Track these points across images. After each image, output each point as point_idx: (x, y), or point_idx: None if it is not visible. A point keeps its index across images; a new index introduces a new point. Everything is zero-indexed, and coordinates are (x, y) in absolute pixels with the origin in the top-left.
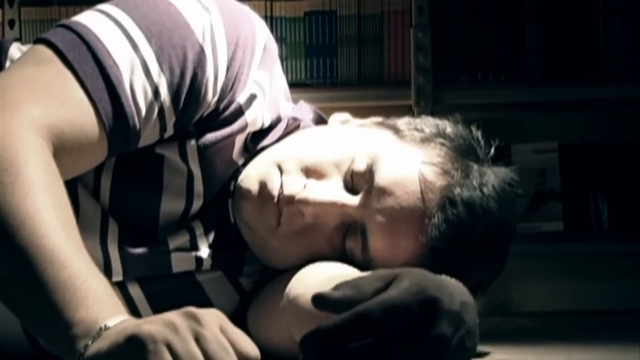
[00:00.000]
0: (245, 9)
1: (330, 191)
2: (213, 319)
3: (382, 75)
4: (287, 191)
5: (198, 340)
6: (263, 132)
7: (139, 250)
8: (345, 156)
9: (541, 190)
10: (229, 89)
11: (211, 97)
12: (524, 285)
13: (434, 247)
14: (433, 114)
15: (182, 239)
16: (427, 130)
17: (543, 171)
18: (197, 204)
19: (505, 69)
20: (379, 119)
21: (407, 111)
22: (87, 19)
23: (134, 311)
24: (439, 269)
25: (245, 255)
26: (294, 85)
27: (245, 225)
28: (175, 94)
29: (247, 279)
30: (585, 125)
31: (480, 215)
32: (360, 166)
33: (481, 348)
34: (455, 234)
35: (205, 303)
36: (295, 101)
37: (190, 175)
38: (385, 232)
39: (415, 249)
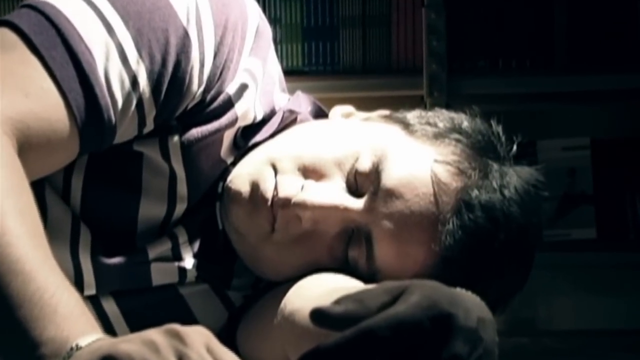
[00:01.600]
0: None
1: (331, 193)
2: (198, 338)
3: (389, 62)
4: (283, 193)
5: None
6: (255, 127)
7: (115, 261)
8: (348, 154)
9: (571, 193)
10: (216, 78)
11: (196, 88)
12: (552, 300)
13: (448, 256)
14: (448, 105)
15: (163, 248)
16: (440, 124)
17: (573, 171)
18: (180, 208)
19: (531, 55)
20: (386, 112)
21: (418, 103)
22: None
23: (109, 329)
24: (454, 281)
25: (235, 265)
26: (290, 73)
27: (235, 232)
28: (155, 83)
29: (237, 292)
30: (620, 119)
31: (500, 220)
32: (364, 165)
33: None
34: (472, 242)
35: (190, 319)
36: (291, 91)
37: (172, 175)
38: (393, 239)
39: (427, 258)
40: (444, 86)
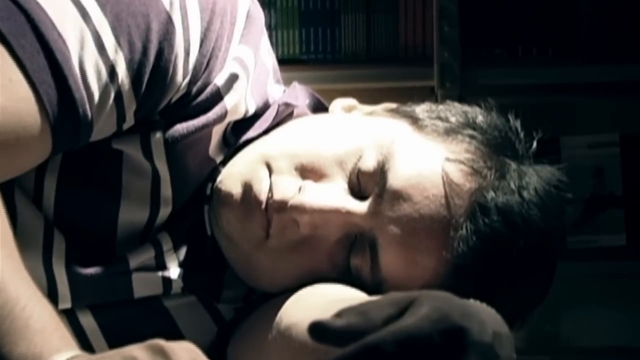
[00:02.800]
0: None
1: (332, 195)
2: (185, 354)
3: (396, 50)
4: (278, 195)
5: None
6: (247, 122)
7: (92, 271)
8: (350, 152)
9: (598, 194)
10: (203, 67)
11: (181, 79)
12: (576, 314)
13: (460, 265)
14: (461, 98)
15: (146, 256)
16: (452, 119)
17: (600, 170)
18: (164, 211)
19: (553, 42)
20: (393, 105)
21: (428, 95)
22: None
23: (86, 345)
24: (467, 292)
25: (225, 275)
26: (285, 62)
27: (225, 238)
28: (136, 74)
29: (227, 305)
30: None
31: (519, 225)
32: (368, 164)
33: None
34: (488, 249)
35: (175, 335)
36: (287, 83)
37: (155, 176)
38: (400, 246)
39: (438, 267)
40: (456, 76)
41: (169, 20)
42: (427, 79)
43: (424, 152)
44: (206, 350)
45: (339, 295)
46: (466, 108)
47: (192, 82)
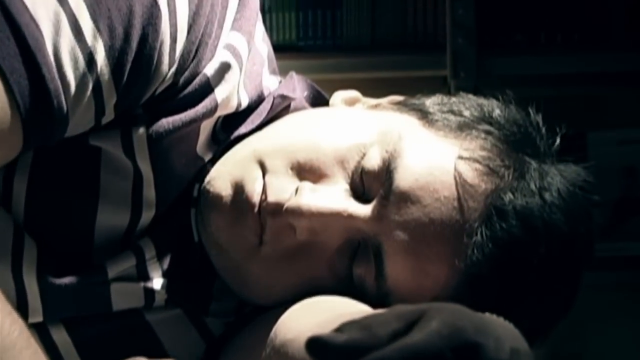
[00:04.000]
0: None
1: (332, 197)
2: None
3: (404, 36)
4: (273, 197)
5: None
6: (239, 116)
7: (66, 281)
8: (353, 149)
9: (629, 197)
10: (191, 56)
11: (167, 68)
12: (605, 330)
13: (475, 274)
14: (476, 89)
15: (126, 265)
16: (467, 113)
17: (631, 170)
18: (147, 215)
19: (580, 27)
20: (400, 97)
21: (440, 86)
22: None
23: None
24: (482, 305)
25: (214, 286)
26: (282, 49)
27: (214, 245)
28: (116, 62)
29: (216, 319)
30: None
31: (540, 231)
32: (373, 163)
33: None
34: (505, 257)
35: (158, 352)
36: (283, 72)
37: (137, 175)
38: (407, 254)
39: (449, 277)
40: (472, 65)
41: (153, 3)
42: (439, 68)
43: (435, 150)
44: None
45: (339, 308)
46: (482, 101)
47: (179, 72)
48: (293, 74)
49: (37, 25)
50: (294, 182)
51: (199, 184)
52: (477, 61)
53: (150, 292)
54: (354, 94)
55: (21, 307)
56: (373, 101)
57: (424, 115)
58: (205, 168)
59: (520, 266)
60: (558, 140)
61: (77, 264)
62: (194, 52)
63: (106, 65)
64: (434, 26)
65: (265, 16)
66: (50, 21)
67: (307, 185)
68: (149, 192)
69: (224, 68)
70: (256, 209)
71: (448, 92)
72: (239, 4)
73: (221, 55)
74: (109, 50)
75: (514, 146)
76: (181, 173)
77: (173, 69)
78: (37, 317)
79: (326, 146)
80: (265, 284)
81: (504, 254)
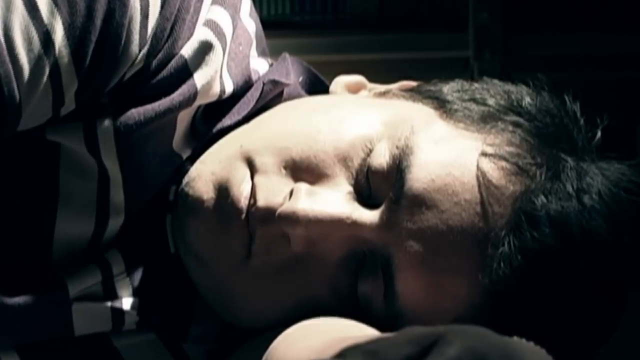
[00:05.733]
0: None
1: (333, 201)
2: None
3: (418, 10)
4: (263, 201)
5: None
6: (222, 106)
7: (20, 300)
8: (357, 144)
9: None
10: (166, 34)
11: (137, 49)
12: None
13: (501, 291)
14: (503, 73)
15: (91, 281)
16: (491, 101)
17: None
18: (114, 223)
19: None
20: (413, 83)
21: (460, 69)
22: None
23: None
24: (509, 327)
25: (194, 307)
26: (272, 25)
27: (195, 258)
28: (78, 43)
29: (197, 345)
30: None
31: (578, 240)
32: (381, 160)
33: None
34: (537, 271)
35: None
36: (275, 54)
37: (103, 176)
38: (422, 268)
39: (471, 295)
40: (498, 45)
41: None
42: (459, 48)
43: (454, 145)
44: None
45: (342, 331)
46: (509, 87)
47: (151, 54)
48: (286, 55)
49: None
50: (287, 183)
51: (175, 185)
52: (504, 39)
53: (118, 314)
54: (358, 79)
55: None
56: (381, 87)
57: (441, 104)
58: (183, 167)
59: (554, 282)
60: (599, 134)
61: (32, 281)
62: (169, 30)
63: (65, 46)
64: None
65: None
66: None
67: (303, 187)
68: (117, 195)
69: (204, 48)
70: (243, 215)
71: (470, 77)
72: None
73: (201, 34)
74: (69, 28)
75: (547, 141)
76: (155, 173)
77: (144, 50)
78: None
79: (325, 141)
80: (254, 303)
81: (535, 267)
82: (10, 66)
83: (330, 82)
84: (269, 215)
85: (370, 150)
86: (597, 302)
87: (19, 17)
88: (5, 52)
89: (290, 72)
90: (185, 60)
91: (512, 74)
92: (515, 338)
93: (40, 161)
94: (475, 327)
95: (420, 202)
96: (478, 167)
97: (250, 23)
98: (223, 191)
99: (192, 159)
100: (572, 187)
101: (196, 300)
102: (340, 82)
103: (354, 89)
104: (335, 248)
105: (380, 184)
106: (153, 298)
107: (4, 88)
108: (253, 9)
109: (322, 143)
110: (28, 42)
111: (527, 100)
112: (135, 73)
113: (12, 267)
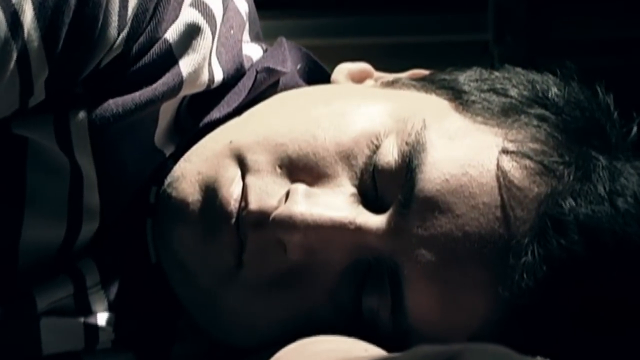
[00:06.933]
0: None
1: (334, 204)
2: None
3: None
4: (255, 204)
5: None
6: (211, 96)
7: None
8: (362, 140)
9: None
10: (148, 16)
11: (116, 32)
12: None
13: (523, 306)
14: (528, 59)
15: (61, 294)
16: (513, 92)
17: None
18: (88, 228)
19: None
20: (424, 71)
21: (479, 54)
22: None
23: None
24: (531, 346)
25: (178, 323)
26: (267, 6)
27: (179, 268)
28: (49, 25)
29: None
30: None
31: (610, 248)
32: (389, 159)
33: None
34: (564, 284)
35: None
36: (270, 37)
37: (76, 175)
38: (434, 280)
39: (490, 310)
40: (521, 27)
41: None
42: (479, 30)
43: (471, 141)
44: None
45: (344, 351)
46: (534, 76)
47: (131, 38)
48: (283, 40)
49: None
50: (283, 184)
51: (157, 186)
52: (528, 21)
53: (92, 330)
54: (363, 66)
55: None
56: (389, 76)
57: (456, 95)
58: (165, 165)
59: (583, 296)
60: (635, 129)
61: None
62: (152, 11)
63: (35, 29)
64: None
65: None
66: None
67: (300, 188)
68: (91, 197)
69: (191, 32)
70: (233, 220)
71: (490, 65)
72: None
73: (187, 15)
74: (40, 8)
75: (576, 136)
76: (134, 172)
77: (124, 34)
78: None
79: (326, 136)
80: (246, 319)
81: (562, 279)
82: None
83: (332, 70)
84: (262, 220)
85: (377, 147)
86: (631, 319)
87: None
88: None
89: (287, 58)
90: (170, 45)
91: (537, 61)
92: (537, 358)
93: (5, 158)
94: (495, 346)
95: (433, 205)
96: (498, 166)
97: (242, 3)
98: (210, 193)
99: (176, 156)
100: (604, 188)
101: (180, 316)
102: (343, 70)
103: (359, 78)
104: (336, 257)
105: (387, 184)
106: (131, 313)
107: None
108: None
109: (322, 139)
110: None
111: (554, 90)
112: (113, 59)
113: None
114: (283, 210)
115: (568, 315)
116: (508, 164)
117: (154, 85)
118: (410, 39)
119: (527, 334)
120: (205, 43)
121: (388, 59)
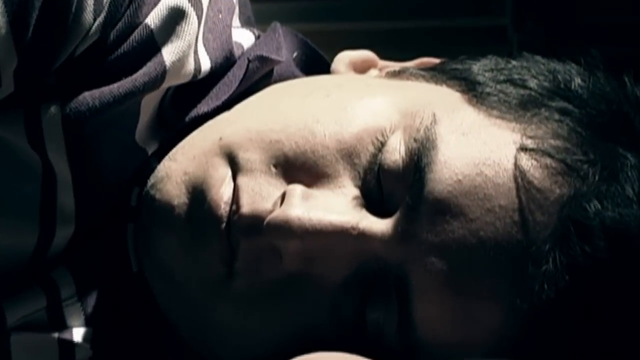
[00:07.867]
0: None
1: (335, 207)
2: None
3: None
4: (248, 208)
5: None
6: (197, 88)
7: None
8: (366, 137)
9: None
10: (126, 0)
11: (91, 17)
12: None
13: (543, 319)
14: (548, 46)
15: (33, 307)
16: (533, 83)
17: None
18: (63, 234)
19: None
20: (435, 60)
21: (495, 41)
22: None
23: None
24: None
25: (163, 339)
26: None
27: (164, 278)
28: (18, 10)
29: None
30: None
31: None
32: (396, 157)
33: None
34: (588, 294)
35: None
36: (263, 23)
37: (49, 176)
38: (446, 290)
39: (505, 323)
40: (542, 11)
41: None
42: (495, 14)
43: (486, 138)
44: None
45: None
46: (555, 65)
47: (108, 23)
48: (277, 25)
49: None
50: (278, 185)
51: (139, 188)
52: (549, 4)
53: (67, 347)
54: (366, 54)
55: None
56: (395, 65)
57: (470, 86)
58: (148, 164)
59: (610, 307)
60: None
61: None
62: None
63: (2, 14)
64: None
65: None
66: None
67: (298, 189)
68: (66, 199)
69: (175, 16)
70: (224, 225)
71: (508, 53)
72: None
73: None
74: None
75: (601, 132)
76: (113, 172)
77: (100, 19)
78: None
79: (325, 132)
80: (237, 334)
81: (587, 289)
82: None
83: (332, 59)
84: (256, 225)
85: (382, 144)
86: None
87: None
88: None
89: (282, 46)
90: (151, 31)
91: (558, 49)
92: None
93: None
94: None
95: (444, 208)
96: (516, 165)
97: None
98: (198, 195)
99: (160, 154)
100: (633, 189)
101: (165, 331)
102: (344, 58)
103: (361, 68)
104: (337, 266)
105: (393, 185)
106: (110, 328)
107: None
108: None
109: (321, 135)
110: None
111: (578, 81)
112: (89, 47)
113: None
114: (278, 214)
115: (592, 329)
116: (527, 162)
117: (134, 76)
118: (417, 23)
119: (546, 350)
120: (190, 29)
121: (394, 46)
